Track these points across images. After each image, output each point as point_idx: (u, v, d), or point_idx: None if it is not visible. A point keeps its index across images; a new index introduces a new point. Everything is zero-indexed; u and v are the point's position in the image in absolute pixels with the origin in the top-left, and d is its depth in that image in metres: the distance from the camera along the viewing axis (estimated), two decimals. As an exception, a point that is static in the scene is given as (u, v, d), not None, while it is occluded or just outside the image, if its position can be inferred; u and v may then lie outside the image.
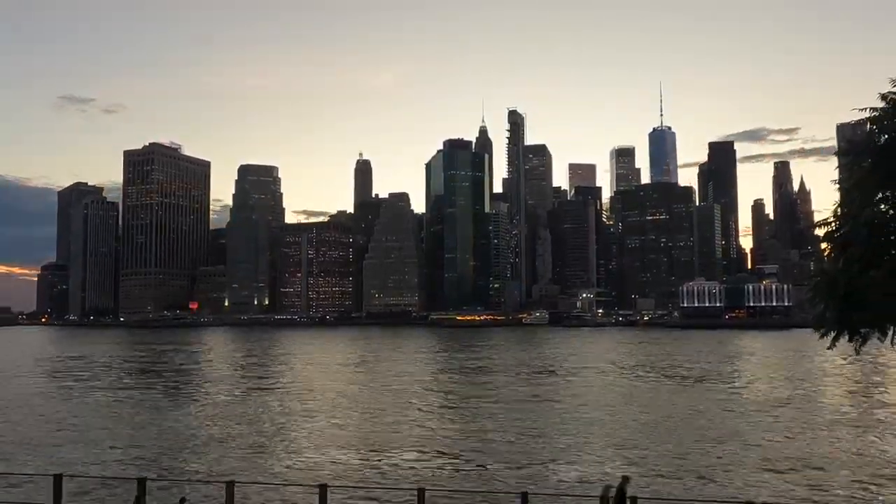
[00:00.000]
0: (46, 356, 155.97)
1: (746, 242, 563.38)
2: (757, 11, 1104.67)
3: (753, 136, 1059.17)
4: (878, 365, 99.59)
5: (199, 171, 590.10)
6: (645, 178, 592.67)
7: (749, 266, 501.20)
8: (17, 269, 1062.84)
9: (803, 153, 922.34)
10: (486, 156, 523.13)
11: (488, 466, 40.21)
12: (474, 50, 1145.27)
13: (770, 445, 45.96)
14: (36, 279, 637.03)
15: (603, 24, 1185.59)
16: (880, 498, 32.32)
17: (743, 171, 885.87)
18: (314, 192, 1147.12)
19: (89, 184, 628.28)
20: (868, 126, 11.09)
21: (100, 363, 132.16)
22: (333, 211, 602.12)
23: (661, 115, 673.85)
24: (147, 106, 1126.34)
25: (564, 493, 33.51)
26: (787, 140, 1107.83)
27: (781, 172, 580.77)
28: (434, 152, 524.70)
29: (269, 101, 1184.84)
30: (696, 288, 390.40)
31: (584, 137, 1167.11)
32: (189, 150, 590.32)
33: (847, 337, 11.74)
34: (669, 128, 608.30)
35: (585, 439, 49.00)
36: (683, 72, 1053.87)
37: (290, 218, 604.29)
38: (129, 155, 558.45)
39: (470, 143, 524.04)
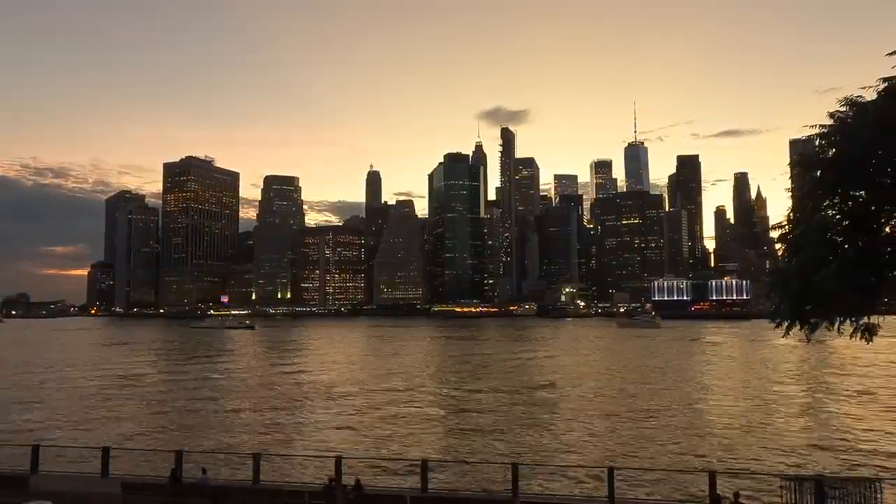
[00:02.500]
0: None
1: (710, 244, 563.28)
2: (714, 41, 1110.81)
3: (717, 150, 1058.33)
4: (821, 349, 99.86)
5: (230, 181, 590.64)
6: (621, 187, 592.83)
7: (712, 264, 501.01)
8: (70, 269, 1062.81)
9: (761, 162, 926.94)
10: (481, 167, 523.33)
11: (481, 437, 40.21)
12: (473, 75, 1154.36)
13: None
14: (86, 276, 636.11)
15: (584, 53, 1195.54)
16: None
17: (707, 181, 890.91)
18: (332, 195, 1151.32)
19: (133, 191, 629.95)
20: (817, 141, 11.10)
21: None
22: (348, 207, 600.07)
23: (635, 131, 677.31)
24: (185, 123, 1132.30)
25: (551, 463, 33.42)
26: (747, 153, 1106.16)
27: (741, 182, 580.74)
28: (436, 164, 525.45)
29: (295, 118, 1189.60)
30: (665, 283, 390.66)
31: (568, 151, 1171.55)
32: (220, 163, 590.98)
33: (798, 326, 11.76)
34: (642, 143, 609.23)
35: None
36: (655, 94, 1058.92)
37: (309, 220, 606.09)
38: (168, 167, 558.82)
39: (467, 156, 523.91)
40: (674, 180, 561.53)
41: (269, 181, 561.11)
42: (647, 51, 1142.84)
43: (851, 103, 10.73)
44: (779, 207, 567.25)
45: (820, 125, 10.91)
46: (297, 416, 50.27)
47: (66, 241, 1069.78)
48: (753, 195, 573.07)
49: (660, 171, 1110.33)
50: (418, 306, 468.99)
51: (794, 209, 11.53)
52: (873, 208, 10.26)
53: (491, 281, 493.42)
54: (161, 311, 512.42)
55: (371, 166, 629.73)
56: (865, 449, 37.19)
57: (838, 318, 10.81)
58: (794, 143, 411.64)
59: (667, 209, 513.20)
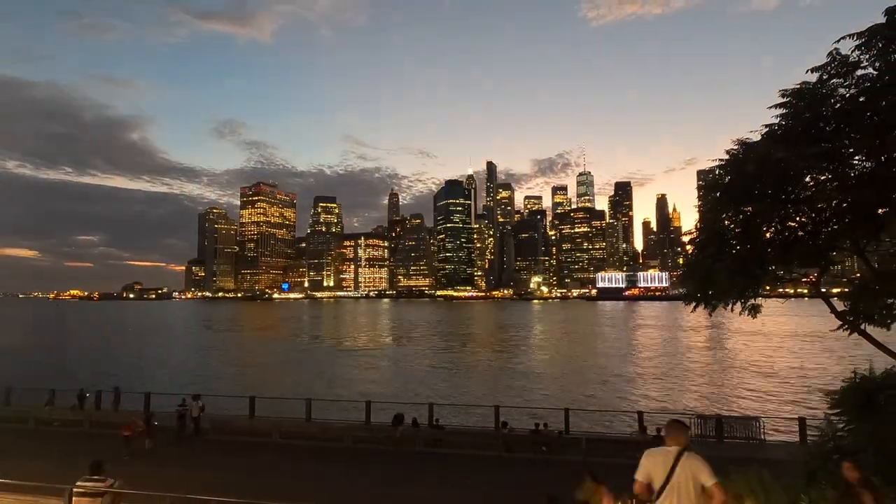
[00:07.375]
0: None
1: (639, 246, 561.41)
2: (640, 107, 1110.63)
3: (645, 176, 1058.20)
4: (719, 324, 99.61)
5: (288, 201, 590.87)
6: (574, 204, 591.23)
7: (641, 261, 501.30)
8: (173, 266, 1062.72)
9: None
10: (472, 190, 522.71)
11: (473, 386, 40.12)
12: (465, 127, 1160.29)
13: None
14: (183, 269, 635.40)
15: (546, 107, 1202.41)
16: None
17: (636, 200, 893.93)
18: (364, 212, 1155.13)
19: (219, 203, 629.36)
20: (717, 170, 11.20)
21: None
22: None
23: (585, 163, 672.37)
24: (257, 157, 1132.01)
25: (529, 405, 33.34)
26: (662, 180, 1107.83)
27: (661, 201, 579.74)
28: (438, 188, 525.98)
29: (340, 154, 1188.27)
30: (607, 275, 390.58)
31: (535, 178, 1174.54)
32: (281, 187, 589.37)
33: (703, 306, 11.87)
34: (590, 172, 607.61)
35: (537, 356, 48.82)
36: (600, 136, 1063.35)
37: (346, 229, 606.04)
38: (243, 189, 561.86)
39: (462, 181, 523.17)
40: (612, 200, 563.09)
41: (317, 200, 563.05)
42: (592, 124, 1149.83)
43: (742, 143, 10.85)
44: (689, 219, 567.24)
45: (719, 159, 11.06)
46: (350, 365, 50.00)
47: (168, 242, 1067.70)
48: (671, 210, 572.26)
49: (603, 192, 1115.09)
50: (426, 292, 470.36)
51: (700, 220, 11.62)
52: (758, 220, 10.39)
53: (479, 273, 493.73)
54: (238, 295, 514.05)
55: (392, 188, 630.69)
56: (752, 395, 37.24)
57: (731, 300, 10.92)
58: (700, 172, 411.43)
59: (608, 220, 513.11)
